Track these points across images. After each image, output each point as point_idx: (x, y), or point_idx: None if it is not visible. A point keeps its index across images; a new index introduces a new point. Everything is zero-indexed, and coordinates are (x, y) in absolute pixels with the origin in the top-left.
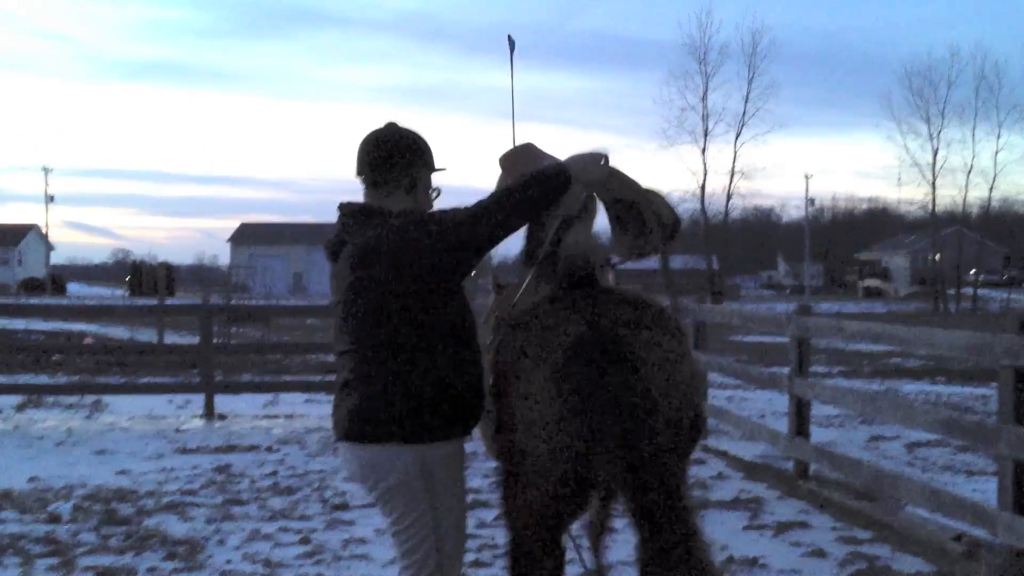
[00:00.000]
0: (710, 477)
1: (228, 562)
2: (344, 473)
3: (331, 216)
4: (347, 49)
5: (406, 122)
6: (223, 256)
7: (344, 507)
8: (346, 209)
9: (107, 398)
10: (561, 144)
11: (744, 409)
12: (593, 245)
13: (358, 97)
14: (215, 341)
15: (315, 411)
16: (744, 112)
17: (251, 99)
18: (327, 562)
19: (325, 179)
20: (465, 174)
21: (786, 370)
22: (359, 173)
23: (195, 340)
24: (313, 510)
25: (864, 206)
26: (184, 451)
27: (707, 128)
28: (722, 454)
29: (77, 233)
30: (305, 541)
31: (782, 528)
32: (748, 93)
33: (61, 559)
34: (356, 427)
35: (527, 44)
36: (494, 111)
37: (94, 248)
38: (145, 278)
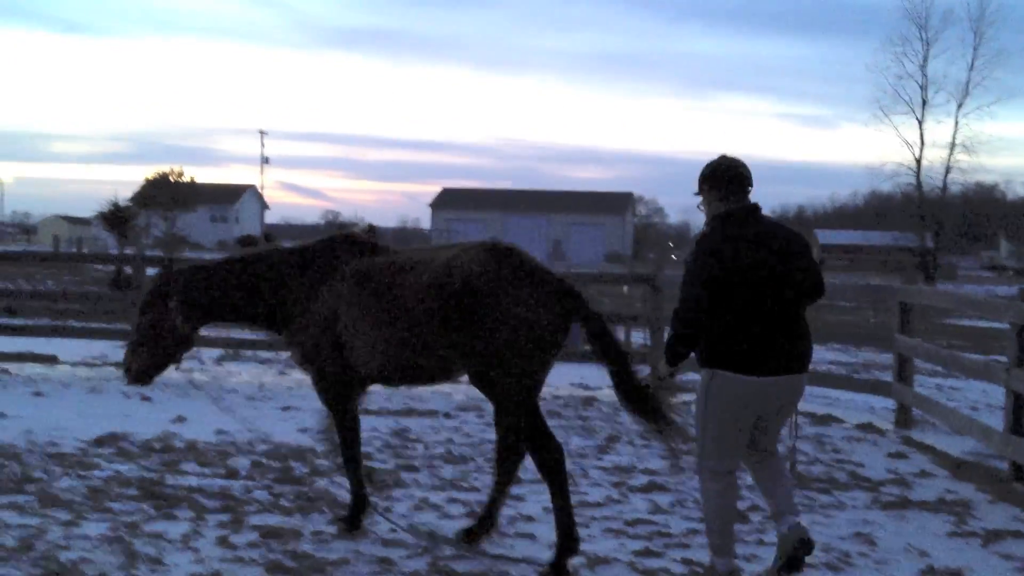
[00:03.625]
0: (911, 474)
1: (392, 530)
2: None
3: (530, 182)
4: (550, 16)
5: (606, 89)
6: (425, 220)
7: (515, 481)
8: (728, 214)
9: None
10: (767, 113)
11: (954, 400)
12: None
13: (559, 65)
14: None
15: None
16: (968, 81)
17: (454, 66)
18: (491, 539)
19: (524, 146)
20: (670, 142)
21: (1004, 359)
22: (714, 186)
23: None
24: (484, 482)
25: None
26: (364, 412)
27: (926, 98)
28: (926, 448)
29: (291, 194)
30: (472, 515)
31: (992, 537)
32: (973, 61)
33: (232, 516)
34: (785, 363)
35: (733, 10)
36: (698, 80)
37: (306, 209)
38: None
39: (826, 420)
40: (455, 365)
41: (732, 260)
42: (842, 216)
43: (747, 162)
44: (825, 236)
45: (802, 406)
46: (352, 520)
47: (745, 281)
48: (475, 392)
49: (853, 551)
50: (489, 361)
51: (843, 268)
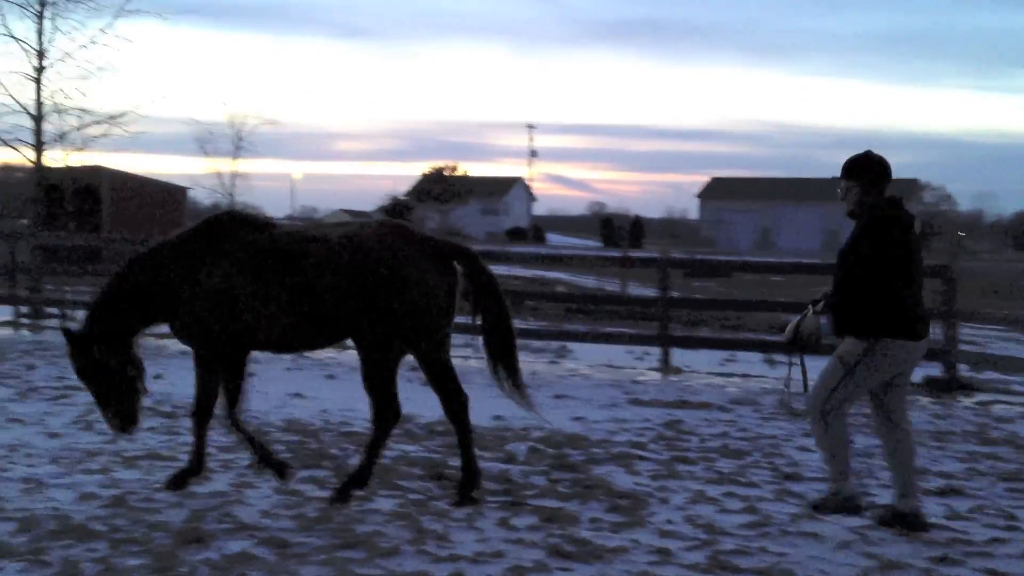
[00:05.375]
0: None
1: (669, 522)
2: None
3: (806, 171)
4: None
5: (887, 71)
6: (692, 210)
7: (795, 478)
8: (893, 201)
9: (571, 345)
10: None
11: None
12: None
13: (832, 47)
14: (674, 294)
15: (773, 372)
16: None
17: (721, 53)
18: (773, 536)
19: (799, 132)
20: (960, 124)
21: None
22: (885, 174)
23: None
24: (761, 477)
25: None
26: (637, 403)
27: None
28: None
29: (557, 186)
30: (751, 510)
31: None
32: None
33: (511, 499)
34: (923, 329)
35: None
36: (990, 57)
37: (572, 201)
38: (617, 231)
39: None
40: (351, 332)
41: (917, 237)
42: None
43: None
44: None
45: None
46: (179, 480)
47: (916, 257)
48: (749, 385)
49: None
50: (396, 324)
51: None
